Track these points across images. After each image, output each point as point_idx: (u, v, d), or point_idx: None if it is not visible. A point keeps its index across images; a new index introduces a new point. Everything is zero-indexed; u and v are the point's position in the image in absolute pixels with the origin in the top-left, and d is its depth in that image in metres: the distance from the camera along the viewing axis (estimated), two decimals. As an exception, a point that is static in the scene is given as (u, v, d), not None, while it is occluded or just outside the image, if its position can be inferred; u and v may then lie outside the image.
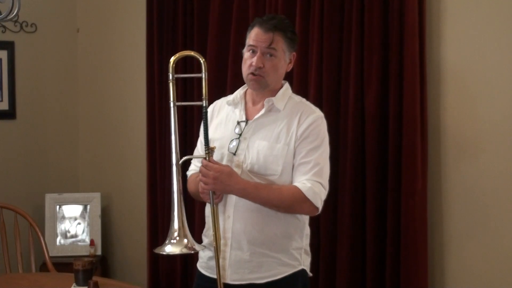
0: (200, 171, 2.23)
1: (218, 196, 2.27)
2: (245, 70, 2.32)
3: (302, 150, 2.27)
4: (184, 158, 2.23)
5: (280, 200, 2.23)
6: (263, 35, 2.27)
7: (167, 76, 2.23)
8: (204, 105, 2.21)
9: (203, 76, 2.22)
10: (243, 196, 2.23)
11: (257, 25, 2.31)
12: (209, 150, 2.22)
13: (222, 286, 2.27)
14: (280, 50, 2.29)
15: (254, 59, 2.28)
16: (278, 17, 2.36)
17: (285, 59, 2.33)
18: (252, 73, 2.29)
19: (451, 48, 2.94)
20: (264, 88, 2.32)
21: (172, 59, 2.24)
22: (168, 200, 3.77)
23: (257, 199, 2.23)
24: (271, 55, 2.28)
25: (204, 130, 2.23)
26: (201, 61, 2.21)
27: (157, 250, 2.18)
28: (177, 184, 2.19)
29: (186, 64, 3.64)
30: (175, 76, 2.23)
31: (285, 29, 2.30)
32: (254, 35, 2.30)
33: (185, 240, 2.15)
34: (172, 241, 2.15)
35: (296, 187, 2.23)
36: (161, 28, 3.84)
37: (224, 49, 3.53)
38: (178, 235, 2.15)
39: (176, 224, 2.16)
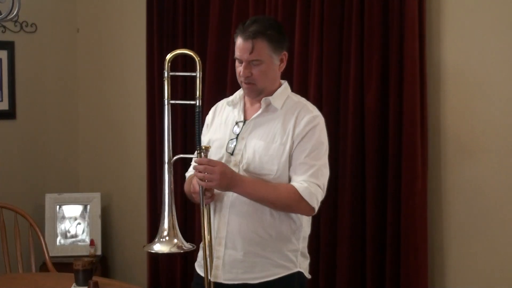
0: (196, 169, 2.17)
1: (209, 196, 2.25)
2: (237, 77, 2.32)
3: (299, 151, 2.25)
4: (176, 156, 2.21)
5: (276, 198, 2.22)
6: (244, 44, 2.22)
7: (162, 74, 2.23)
8: (197, 104, 2.20)
9: (198, 75, 2.21)
10: (241, 191, 2.21)
11: (239, 33, 2.25)
12: (201, 149, 2.19)
13: (212, 285, 2.28)
14: (264, 56, 2.24)
15: (241, 68, 2.26)
16: (260, 20, 2.27)
17: (273, 61, 2.27)
18: (244, 82, 2.28)
19: (451, 48, 2.94)
20: (259, 94, 2.31)
21: (168, 57, 2.23)
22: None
23: (253, 194, 2.21)
24: (256, 63, 2.24)
25: (197, 129, 2.21)
26: (196, 60, 2.21)
27: (146, 248, 2.17)
28: (168, 183, 2.18)
29: (186, 63, 3.64)
30: (170, 74, 2.23)
31: (266, 33, 2.22)
32: (237, 45, 2.26)
33: (175, 240, 2.14)
34: (161, 239, 2.14)
35: (292, 186, 2.22)
36: (161, 28, 3.83)
37: (224, 49, 3.52)
38: (168, 235, 2.14)
39: (166, 224, 2.15)
